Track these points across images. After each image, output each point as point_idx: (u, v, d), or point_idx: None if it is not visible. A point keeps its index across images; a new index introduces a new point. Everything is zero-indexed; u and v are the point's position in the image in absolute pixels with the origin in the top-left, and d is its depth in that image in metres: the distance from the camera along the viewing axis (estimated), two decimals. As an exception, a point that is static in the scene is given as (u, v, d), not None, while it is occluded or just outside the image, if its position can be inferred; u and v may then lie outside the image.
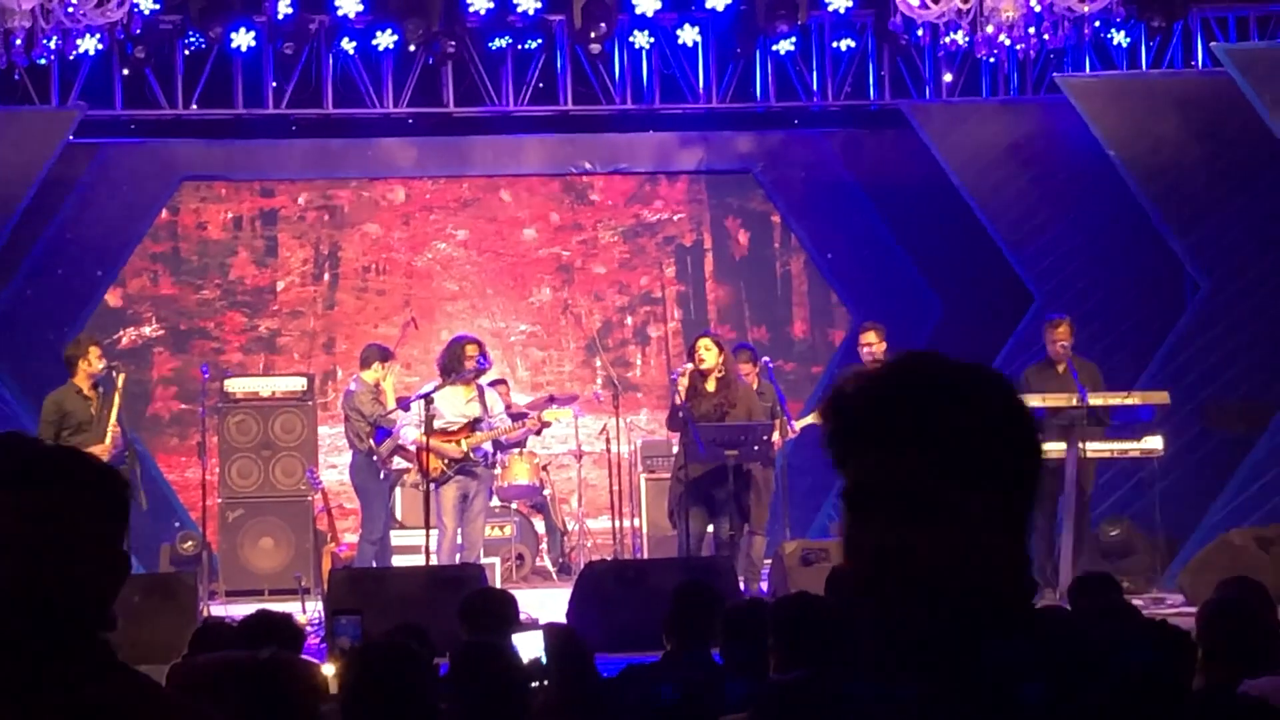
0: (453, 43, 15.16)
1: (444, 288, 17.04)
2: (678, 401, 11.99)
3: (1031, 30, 13.76)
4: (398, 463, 13.49)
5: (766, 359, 13.37)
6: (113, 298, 16.63)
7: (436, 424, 12.10)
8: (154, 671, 2.73)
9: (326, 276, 16.99)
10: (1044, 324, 12.75)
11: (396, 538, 13.73)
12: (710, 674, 5.92)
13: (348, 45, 15.42)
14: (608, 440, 14.44)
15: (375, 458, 13.17)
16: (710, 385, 12.04)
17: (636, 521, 14.68)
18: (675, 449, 12.64)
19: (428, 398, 12.06)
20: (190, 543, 14.15)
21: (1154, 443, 12.01)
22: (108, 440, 11.78)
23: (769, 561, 12.23)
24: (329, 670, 6.43)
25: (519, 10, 15.30)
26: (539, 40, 15.64)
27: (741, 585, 11.27)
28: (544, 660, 5.46)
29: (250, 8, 15.06)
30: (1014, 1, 13.36)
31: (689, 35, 15.62)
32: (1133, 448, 12.14)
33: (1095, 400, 11.75)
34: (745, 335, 16.68)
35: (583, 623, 9.80)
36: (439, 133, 16.56)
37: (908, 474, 1.91)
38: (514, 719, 4.98)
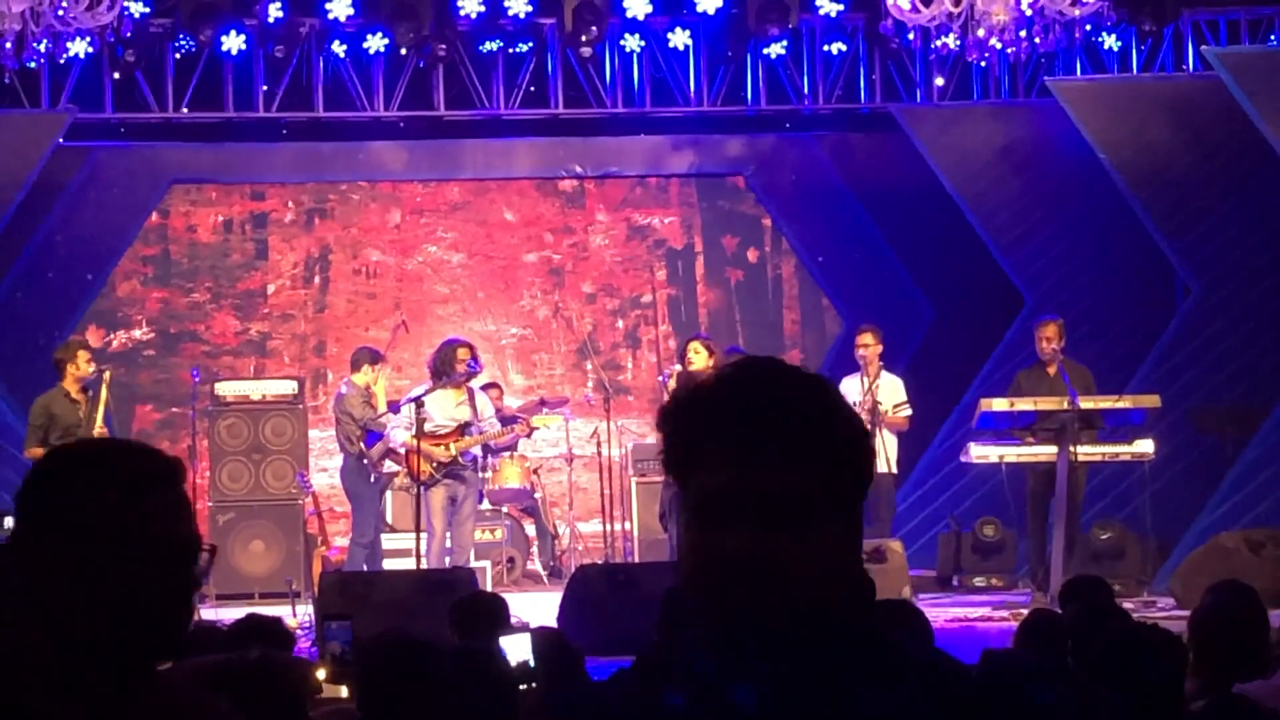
0: (443, 46, 15.15)
1: (435, 291, 17.03)
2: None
3: (1022, 34, 13.76)
4: (388, 466, 13.48)
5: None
6: (103, 300, 16.60)
7: (426, 427, 12.10)
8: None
9: (317, 280, 16.97)
10: (1034, 325, 12.75)
11: (387, 541, 13.71)
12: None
13: (338, 48, 15.41)
14: (599, 444, 14.43)
15: (366, 461, 13.16)
16: (700, 388, 12.01)
17: (627, 525, 14.66)
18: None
19: (418, 401, 12.05)
20: (181, 546, 14.09)
21: (1145, 446, 12.01)
22: (96, 443, 11.72)
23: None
24: (320, 675, 6.41)
25: (510, 14, 15.30)
26: (530, 44, 15.64)
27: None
28: (532, 663, 5.44)
29: (241, 11, 15.05)
30: (1005, 5, 13.36)
31: (680, 39, 15.62)
32: (1124, 451, 12.13)
33: (1086, 404, 11.74)
34: (736, 338, 16.68)
35: (574, 626, 9.78)
36: (430, 136, 16.54)
37: (772, 479, 1.88)
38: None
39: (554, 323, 17.00)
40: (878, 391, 12.96)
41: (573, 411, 15.23)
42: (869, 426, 12.86)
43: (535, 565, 15.01)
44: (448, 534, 12.37)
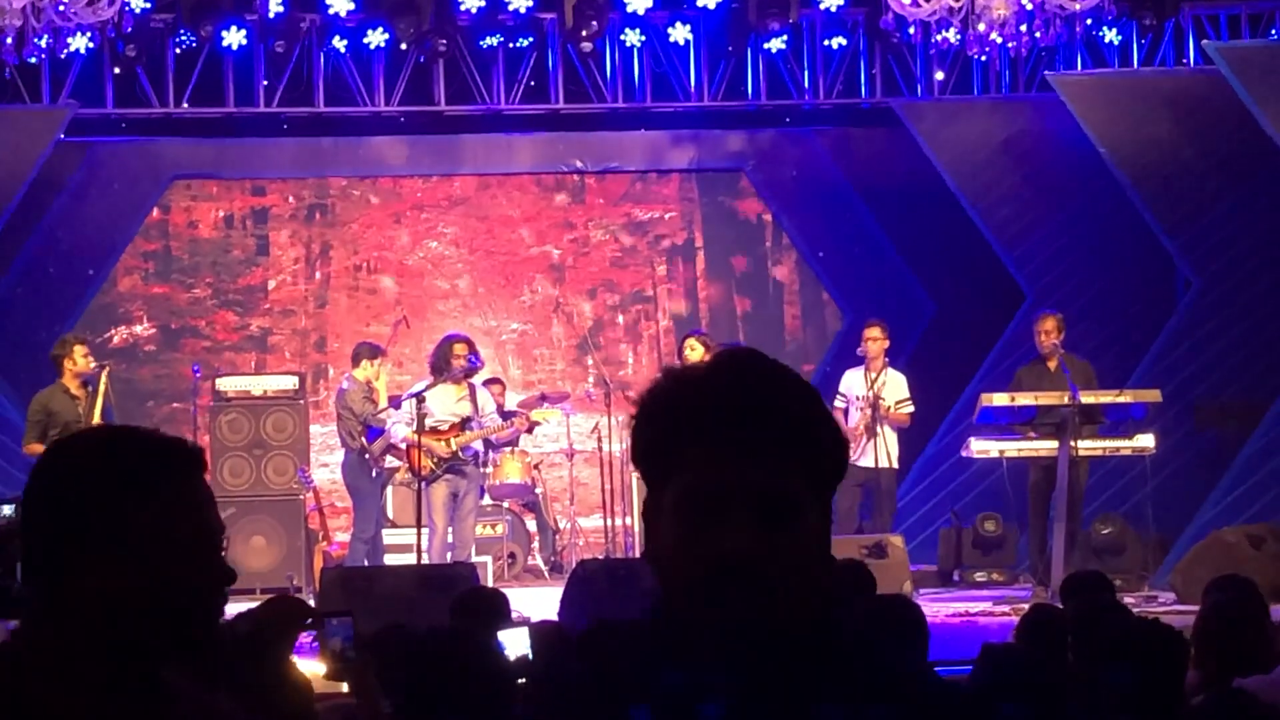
0: (444, 41, 15.14)
1: (435, 286, 17.02)
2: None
3: (1023, 28, 13.76)
4: (389, 461, 13.48)
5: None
6: (104, 296, 16.60)
7: (427, 422, 12.10)
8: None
9: (318, 275, 16.97)
10: (1033, 319, 12.74)
11: (388, 536, 13.72)
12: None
13: (339, 43, 15.41)
14: (599, 439, 14.43)
15: (367, 456, 13.16)
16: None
17: (628, 520, 14.66)
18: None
19: (419, 396, 12.05)
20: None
21: (1146, 441, 12.00)
22: (95, 439, 11.72)
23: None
24: (319, 670, 6.40)
25: (510, 8, 15.29)
26: (530, 38, 15.64)
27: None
28: (530, 657, 5.44)
29: (241, 6, 15.04)
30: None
31: (680, 33, 15.60)
32: (1125, 446, 12.13)
33: (1087, 398, 11.74)
34: (737, 334, 16.68)
35: (574, 621, 9.78)
36: (430, 131, 16.54)
37: (769, 478, 1.86)
38: (498, 716, 4.95)
39: (554, 318, 17.01)
40: (883, 387, 12.97)
41: (573, 406, 15.23)
42: (871, 422, 12.93)
43: (536, 560, 15.01)
44: (449, 529, 12.37)
